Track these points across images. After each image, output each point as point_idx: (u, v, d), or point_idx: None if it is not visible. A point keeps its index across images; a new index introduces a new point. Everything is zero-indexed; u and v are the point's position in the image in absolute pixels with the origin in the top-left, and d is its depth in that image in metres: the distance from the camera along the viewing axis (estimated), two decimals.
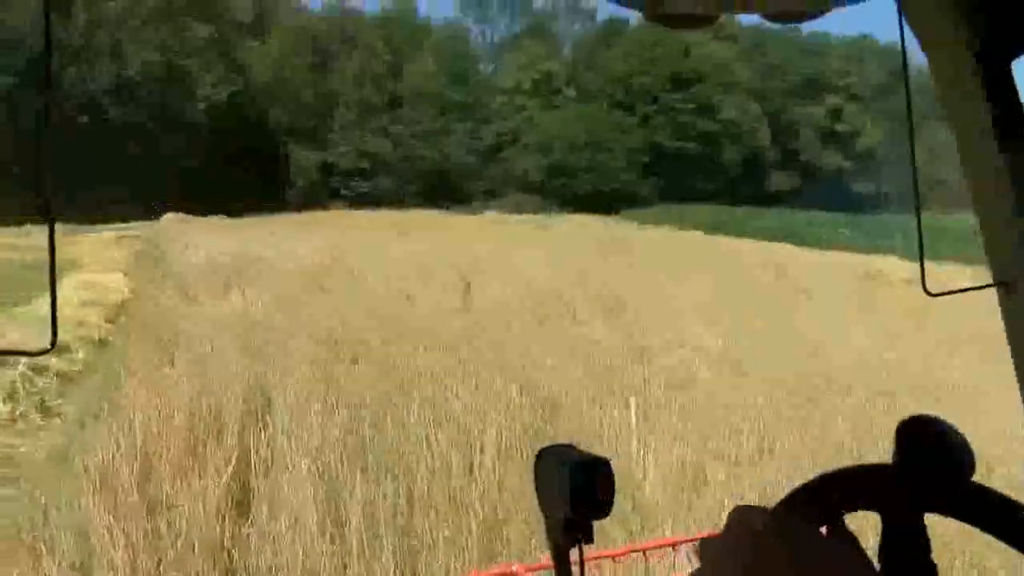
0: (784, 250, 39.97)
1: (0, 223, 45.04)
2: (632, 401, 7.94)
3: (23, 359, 12.13)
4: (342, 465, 6.25)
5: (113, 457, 6.13)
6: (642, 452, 6.91)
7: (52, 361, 12.80)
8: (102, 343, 14.80)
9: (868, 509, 1.16)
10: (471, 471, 6.52)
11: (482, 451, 6.65)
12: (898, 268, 27.00)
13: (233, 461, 6.41)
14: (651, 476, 6.47)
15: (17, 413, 10.70)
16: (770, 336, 11.86)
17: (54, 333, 1.08)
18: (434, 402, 8.30)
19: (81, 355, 13.49)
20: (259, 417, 7.82)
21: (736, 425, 7.51)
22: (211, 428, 7.05)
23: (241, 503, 6.04)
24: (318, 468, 6.20)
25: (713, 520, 5.26)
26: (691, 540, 4.74)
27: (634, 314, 13.47)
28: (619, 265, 21.09)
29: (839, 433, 7.37)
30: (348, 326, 11.46)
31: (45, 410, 10.88)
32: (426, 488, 6.08)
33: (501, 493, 6.14)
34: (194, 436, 6.82)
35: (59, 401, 11.35)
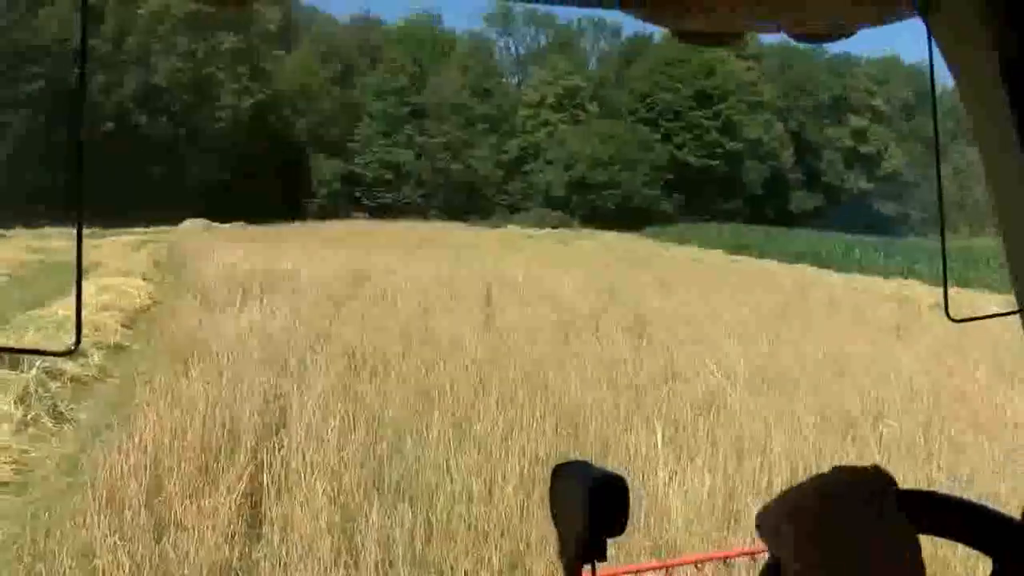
0: (810, 272, 39.48)
1: (23, 225, 45.51)
2: (658, 426, 7.62)
3: (37, 361, 11.98)
4: (358, 488, 5.97)
5: (122, 472, 5.88)
6: (670, 481, 6.59)
7: (67, 365, 12.62)
8: (118, 348, 14.62)
9: None
10: (492, 497, 6.22)
11: (504, 477, 6.34)
12: (925, 294, 26.51)
13: (245, 479, 6.14)
14: (680, 508, 6.14)
15: (29, 417, 10.49)
16: (804, 360, 11.49)
17: (78, 335, 1.07)
18: (456, 421, 8.01)
19: (96, 360, 13.30)
20: (275, 432, 7.56)
21: (770, 453, 7.18)
22: (224, 444, 6.78)
23: (252, 525, 5.77)
24: (333, 490, 5.92)
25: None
26: (714, 557, 4.75)
27: (662, 334, 13.13)
28: (645, 284, 20.76)
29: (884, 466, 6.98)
30: (369, 340, 11.19)
31: (57, 415, 10.66)
32: (445, 516, 5.78)
33: (524, 522, 5.83)
34: (206, 452, 6.56)
35: (72, 407, 11.14)
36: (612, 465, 7.12)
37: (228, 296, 15.99)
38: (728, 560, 5.00)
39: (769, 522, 0.95)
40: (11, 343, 13.83)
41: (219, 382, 8.65)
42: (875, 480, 0.95)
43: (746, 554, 4.88)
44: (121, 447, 6.27)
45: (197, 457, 6.46)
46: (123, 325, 16.09)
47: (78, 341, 1.11)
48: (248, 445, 6.91)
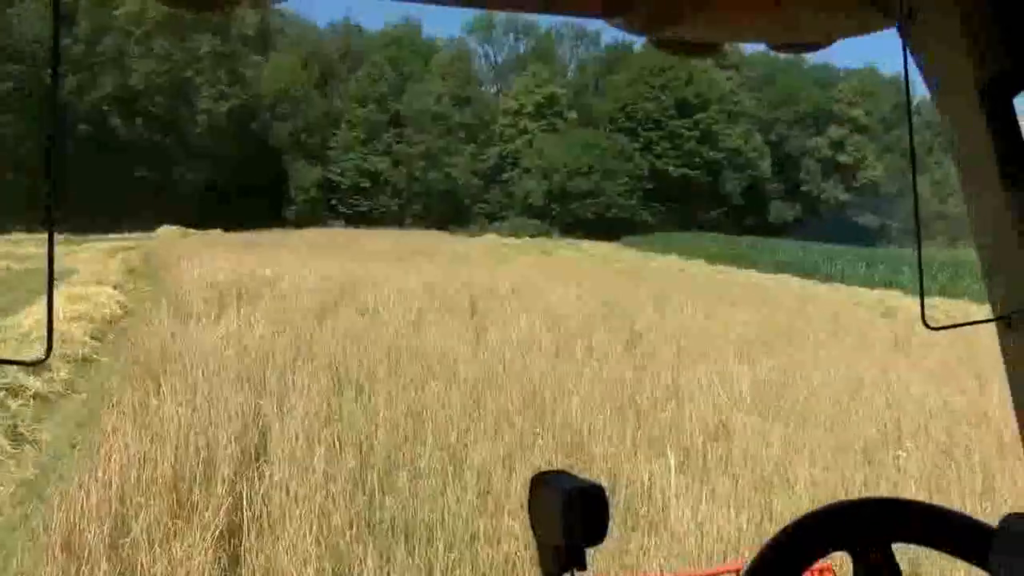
0: (794, 282, 39.23)
1: None
2: (671, 454, 7.03)
3: None
4: (349, 528, 5.33)
5: (83, 511, 5.21)
6: (692, 516, 5.99)
7: (30, 380, 11.88)
8: (87, 361, 13.88)
9: (838, 550, 1.17)
10: (497, 534, 5.61)
11: (508, 513, 5.73)
12: (911, 304, 26.27)
13: (222, 518, 5.49)
14: (705, 547, 5.55)
15: None
16: (810, 380, 10.94)
17: (49, 344, 1.04)
18: (450, 445, 7.39)
19: (63, 374, 12.55)
20: (254, 460, 6.90)
21: (795, 484, 6.61)
22: (199, 475, 6.12)
23: (230, 574, 5.12)
24: (321, 531, 5.28)
25: None
26: (725, 571, 4.41)
27: (660, 351, 12.56)
28: (637, 297, 20.18)
29: (911, 495, 6.45)
30: (353, 355, 10.53)
31: (17, 436, 9.91)
32: (449, 560, 5.16)
33: (535, 564, 5.20)
34: (178, 486, 5.90)
35: (34, 427, 10.38)
36: (625, 498, 6.54)
37: (204, 306, 15.29)
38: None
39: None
40: None
41: (193, 402, 7.98)
42: None
43: (732, 571, 4.55)
44: (82, 483, 5.59)
45: (168, 492, 5.79)
46: (92, 337, 15.33)
47: (49, 350, 1.06)
48: (225, 476, 6.25)
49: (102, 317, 17.09)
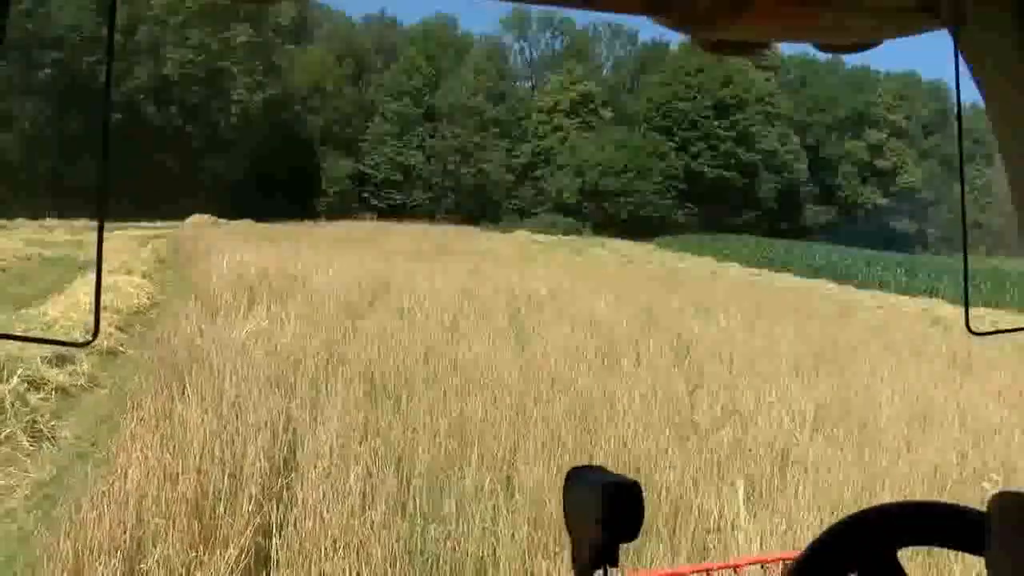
0: (832, 288, 38.32)
1: (28, 216, 44.39)
2: (740, 484, 6.37)
3: (19, 370, 10.81)
4: (392, 567, 4.73)
5: (95, 538, 4.65)
6: (761, 552, 5.32)
7: (52, 373, 11.43)
8: (111, 354, 13.41)
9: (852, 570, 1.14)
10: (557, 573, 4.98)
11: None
12: (957, 315, 25.47)
13: (248, 546, 4.92)
14: None
15: (3, 436, 9.27)
16: (873, 402, 10.23)
17: (96, 326, 1.06)
18: (498, 467, 6.77)
19: (86, 367, 12.07)
20: (284, 476, 6.34)
21: None
22: (224, 494, 5.55)
23: None
24: (359, 566, 4.69)
25: None
26: (759, 561, 4.17)
27: (711, 365, 11.88)
28: (679, 303, 19.47)
29: None
30: (389, 360, 9.95)
31: (36, 433, 9.44)
32: None
33: None
34: (200, 507, 5.33)
35: (54, 423, 9.91)
36: (692, 536, 5.90)
37: (233, 300, 14.77)
38: (738, 570, 4.29)
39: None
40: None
41: (219, 407, 7.43)
42: None
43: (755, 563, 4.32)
44: (94, 502, 5.02)
45: (189, 514, 5.22)
46: (118, 328, 14.87)
47: (96, 333, 1.11)
48: (252, 496, 5.68)
49: (129, 308, 16.66)
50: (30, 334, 12.69)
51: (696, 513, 6.03)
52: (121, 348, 13.65)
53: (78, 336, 13.30)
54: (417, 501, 5.74)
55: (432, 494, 6.07)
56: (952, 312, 28.07)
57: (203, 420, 6.35)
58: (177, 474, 5.49)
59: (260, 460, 6.07)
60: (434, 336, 11.88)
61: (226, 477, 5.84)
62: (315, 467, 6.07)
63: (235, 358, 9.58)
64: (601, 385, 9.53)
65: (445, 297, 15.93)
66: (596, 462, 6.95)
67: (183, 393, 8.12)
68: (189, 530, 4.98)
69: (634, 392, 9.40)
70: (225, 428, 6.55)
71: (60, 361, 11.82)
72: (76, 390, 11.26)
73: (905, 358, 14.63)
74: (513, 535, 5.19)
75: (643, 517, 1.16)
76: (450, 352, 10.91)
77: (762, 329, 16.47)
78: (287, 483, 6.11)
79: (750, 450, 7.66)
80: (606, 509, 1.12)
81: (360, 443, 6.57)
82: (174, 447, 6.08)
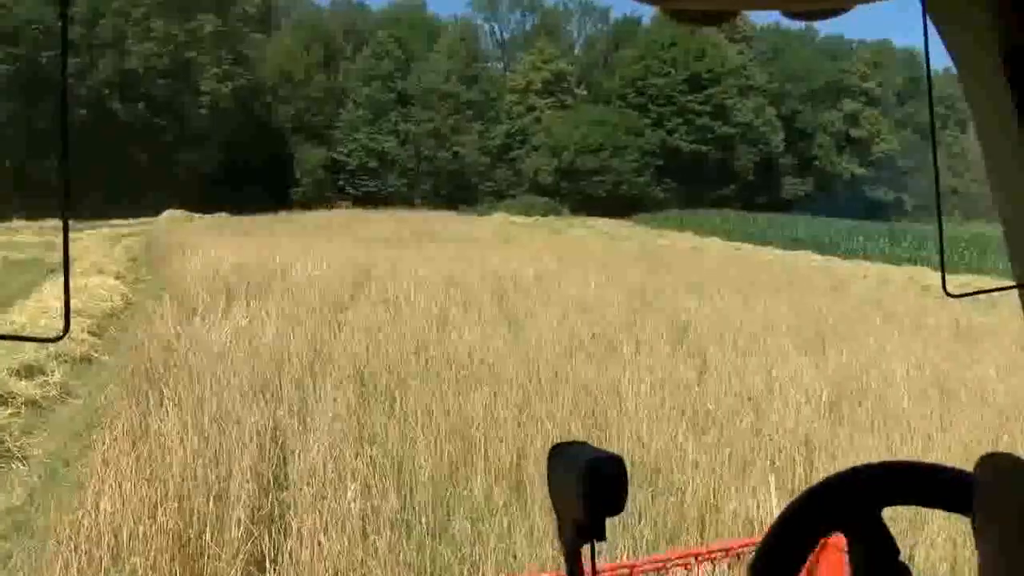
0: (816, 260, 38.00)
1: None
2: (771, 480, 5.86)
3: None
4: None
5: None
6: None
7: (20, 386, 10.80)
8: (85, 361, 12.77)
9: (830, 533, 1.15)
10: None
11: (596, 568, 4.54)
12: (952, 284, 25.05)
13: None
14: None
15: None
16: (887, 376, 9.76)
17: (67, 321, 1.06)
18: (507, 474, 6.24)
19: (58, 376, 11.43)
20: (275, 492, 5.78)
21: (930, 524, 5.44)
22: (208, 522, 4.99)
23: None
24: None
25: None
26: (747, 544, 4.09)
27: (713, 347, 11.38)
28: (670, 282, 18.97)
29: None
30: (379, 356, 9.37)
31: (5, 453, 8.83)
32: None
33: None
34: (182, 537, 4.77)
35: (24, 440, 9.30)
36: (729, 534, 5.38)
37: (210, 299, 14.11)
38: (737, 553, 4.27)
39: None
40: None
41: (200, 420, 6.85)
42: None
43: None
44: (62, 542, 4.44)
45: (172, 547, 4.65)
46: (91, 332, 14.21)
47: (66, 327, 1.07)
48: (240, 521, 5.12)
49: (102, 311, 15.98)
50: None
51: (729, 517, 5.52)
52: (95, 354, 13.01)
53: (48, 344, 12.67)
54: (423, 520, 5.19)
55: (439, 509, 5.52)
56: (939, 280, 27.73)
57: (183, 439, 5.76)
58: (156, 503, 4.91)
59: (248, 481, 5.50)
60: (423, 327, 11.31)
61: (211, 501, 5.29)
62: (308, 484, 5.50)
63: (215, 362, 8.99)
64: (603, 374, 9.02)
65: (429, 285, 15.34)
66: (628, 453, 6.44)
67: (161, 404, 7.53)
68: (171, 568, 4.41)
69: (639, 380, 8.88)
70: (207, 444, 5.98)
71: (29, 372, 11.18)
72: (47, 402, 10.62)
73: (907, 330, 14.22)
74: (531, 551, 4.65)
75: (628, 491, 1.13)
76: (441, 343, 10.35)
77: (757, 306, 16.01)
78: (279, 502, 5.54)
79: (771, 439, 7.16)
80: (591, 484, 1.10)
81: (355, 456, 6.00)
82: (151, 471, 5.50)
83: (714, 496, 5.85)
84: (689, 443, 6.81)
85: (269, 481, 6.03)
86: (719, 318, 14.06)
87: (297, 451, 6.10)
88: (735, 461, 6.43)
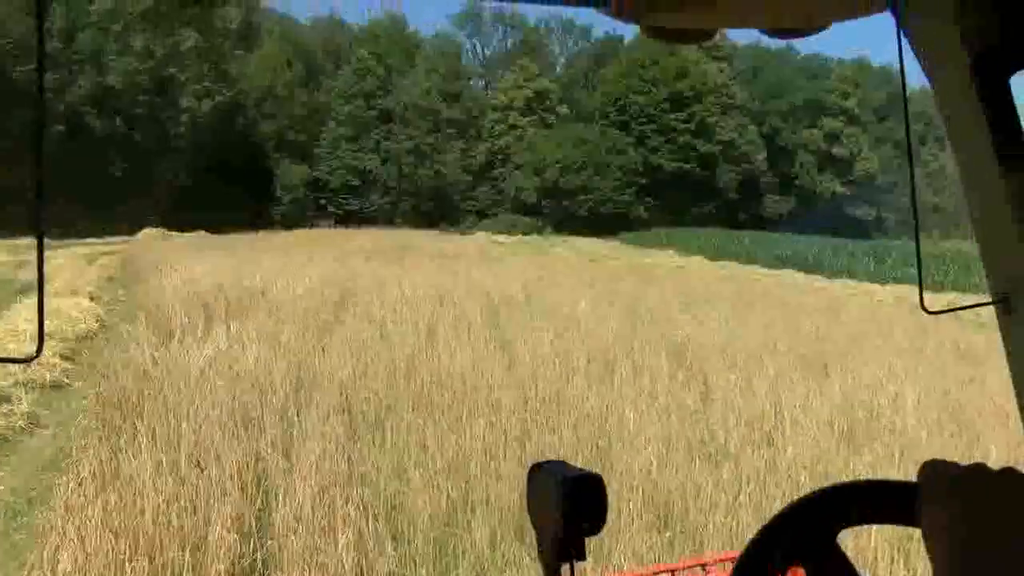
0: (800, 279, 37.76)
1: None
2: None
3: None
4: None
5: None
6: None
7: None
8: (56, 387, 12.15)
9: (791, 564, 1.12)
10: None
11: None
12: (930, 301, 24.72)
13: None
14: None
15: None
16: (902, 402, 9.32)
17: (40, 340, 1.05)
18: (508, 511, 5.72)
19: (25, 405, 10.81)
20: (255, 544, 5.24)
21: None
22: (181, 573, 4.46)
23: None
24: None
25: None
26: (723, 559, 4.03)
27: (715, 370, 10.94)
28: (660, 301, 18.56)
29: None
30: (367, 382, 8.85)
31: None
32: None
33: None
34: None
35: None
36: None
37: (188, 321, 13.54)
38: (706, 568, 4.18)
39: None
40: None
41: (176, 456, 6.31)
42: None
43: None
44: None
45: None
46: (63, 356, 13.56)
47: (40, 347, 1.05)
48: (220, 569, 4.58)
49: (75, 333, 15.34)
50: None
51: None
52: (66, 380, 12.38)
53: (16, 369, 12.06)
54: (423, 574, 4.66)
55: (440, 560, 5.00)
56: (929, 300, 27.46)
57: (155, 482, 5.21)
58: (125, 558, 4.37)
59: (228, 530, 4.96)
60: (412, 351, 10.78)
61: (187, 551, 4.75)
62: (295, 532, 4.97)
63: (193, 391, 8.46)
64: (603, 399, 8.53)
65: (417, 305, 14.82)
66: (623, 502, 5.94)
67: (135, 439, 6.98)
68: None
69: (642, 407, 8.41)
70: (183, 486, 5.44)
71: (33, 361, 10.52)
72: (13, 433, 10.00)
73: (908, 352, 13.82)
74: None
75: (607, 510, 1.12)
76: (432, 367, 9.82)
77: (753, 326, 15.60)
78: (263, 551, 5.01)
79: (790, 476, 6.68)
80: (570, 503, 1.08)
81: (346, 500, 5.46)
82: (120, 522, 4.95)
83: (734, 540, 5.36)
84: (704, 479, 6.33)
85: (252, 528, 5.50)
86: (715, 339, 13.62)
87: (281, 494, 5.56)
88: (756, 502, 5.94)
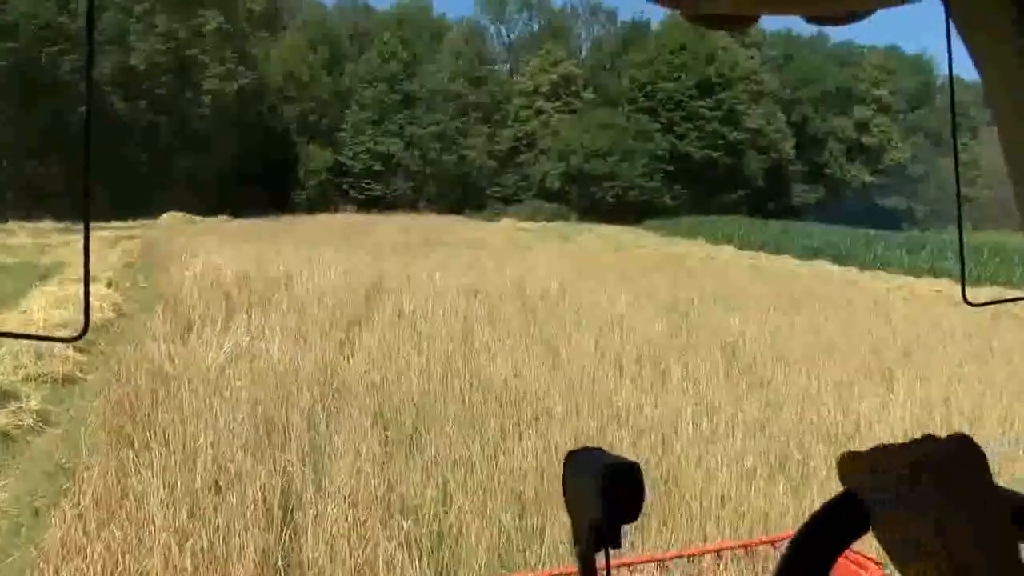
0: (834, 271, 36.77)
1: None
2: None
3: None
4: None
5: None
6: None
7: None
8: (68, 381, 11.47)
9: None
10: None
11: None
12: (972, 295, 23.82)
13: None
14: None
15: None
16: (982, 414, 8.47)
17: (86, 322, 1.05)
18: (571, 541, 4.91)
19: (34, 403, 10.12)
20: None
21: None
22: None
23: None
24: None
25: None
26: (740, 546, 4.22)
27: (767, 371, 10.14)
28: (689, 292, 17.74)
29: None
30: (400, 388, 8.09)
31: None
32: None
33: None
34: None
35: None
36: None
37: (208, 311, 12.83)
38: (749, 549, 4.33)
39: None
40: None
41: (192, 470, 5.58)
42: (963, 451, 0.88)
43: (767, 543, 4.36)
44: None
45: None
46: (78, 348, 12.90)
47: (85, 327, 1.06)
48: None
49: (92, 324, 14.67)
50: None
51: None
52: (80, 374, 11.71)
53: (28, 361, 11.41)
54: None
55: None
56: (969, 293, 26.43)
57: (167, 513, 4.47)
58: None
59: (252, 563, 4.22)
60: (447, 351, 10.00)
61: None
62: (327, 558, 4.21)
63: (212, 393, 7.74)
64: (658, 406, 7.74)
65: (448, 299, 14.04)
66: (700, 533, 5.20)
67: (146, 452, 6.26)
68: None
69: (705, 418, 7.62)
70: (200, 516, 4.70)
71: (3, 398, 9.91)
72: (21, 433, 9.32)
73: (974, 356, 12.91)
74: None
75: (644, 498, 1.09)
76: (471, 369, 9.04)
77: (801, 326, 14.73)
78: None
79: None
80: (608, 491, 1.05)
81: (388, 537, 4.70)
82: (127, 556, 4.22)
83: None
84: (784, 504, 5.52)
85: (276, 556, 4.76)
86: (766, 338, 12.78)
87: (310, 526, 4.80)
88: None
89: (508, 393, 8.01)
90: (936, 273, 37.78)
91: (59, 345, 12.35)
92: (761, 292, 20.11)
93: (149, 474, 5.46)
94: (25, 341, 12.59)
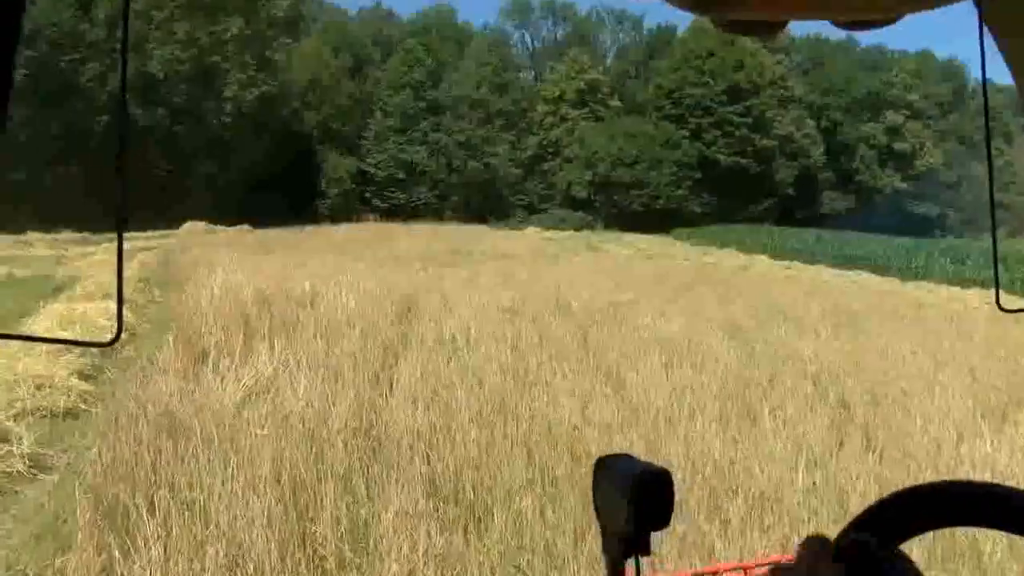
0: (874, 281, 35.26)
1: (2, 230, 41.07)
2: None
3: None
4: None
5: None
6: None
7: None
8: (70, 416, 10.22)
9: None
10: None
11: None
12: (1013, 304, 22.19)
13: None
14: None
15: None
16: None
17: (119, 325, 1.05)
18: None
19: (26, 445, 8.83)
20: None
21: None
22: None
23: None
24: None
25: None
26: (761, 564, 2.82)
27: (865, 405, 8.77)
28: (751, 309, 16.45)
29: None
30: (451, 438, 6.76)
31: None
32: None
33: None
34: None
35: None
36: None
37: (226, 337, 11.56)
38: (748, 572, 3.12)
39: None
40: None
41: (200, 561, 4.30)
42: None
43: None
44: None
45: None
46: (83, 375, 11.65)
47: (119, 331, 1.05)
48: None
49: (100, 347, 13.48)
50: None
51: None
52: (83, 406, 10.46)
53: (24, 395, 10.18)
54: None
55: None
56: (1005, 300, 24.89)
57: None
58: None
59: None
60: (499, 386, 8.66)
61: None
62: None
63: (227, 444, 6.46)
64: (753, 457, 6.40)
65: (491, 320, 12.72)
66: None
67: (153, 500, 4.98)
68: None
69: (818, 469, 6.28)
70: None
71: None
72: (11, 481, 8.08)
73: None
74: None
75: (673, 505, 1.08)
76: (530, 412, 7.71)
77: (875, 346, 13.34)
78: None
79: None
80: (637, 498, 1.05)
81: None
82: None
83: None
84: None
85: None
86: (844, 364, 11.40)
87: None
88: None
89: (579, 443, 6.68)
90: (985, 284, 36.16)
91: (62, 371, 11.15)
92: (812, 306, 18.71)
93: (158, 508, 4.20)
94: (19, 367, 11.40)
